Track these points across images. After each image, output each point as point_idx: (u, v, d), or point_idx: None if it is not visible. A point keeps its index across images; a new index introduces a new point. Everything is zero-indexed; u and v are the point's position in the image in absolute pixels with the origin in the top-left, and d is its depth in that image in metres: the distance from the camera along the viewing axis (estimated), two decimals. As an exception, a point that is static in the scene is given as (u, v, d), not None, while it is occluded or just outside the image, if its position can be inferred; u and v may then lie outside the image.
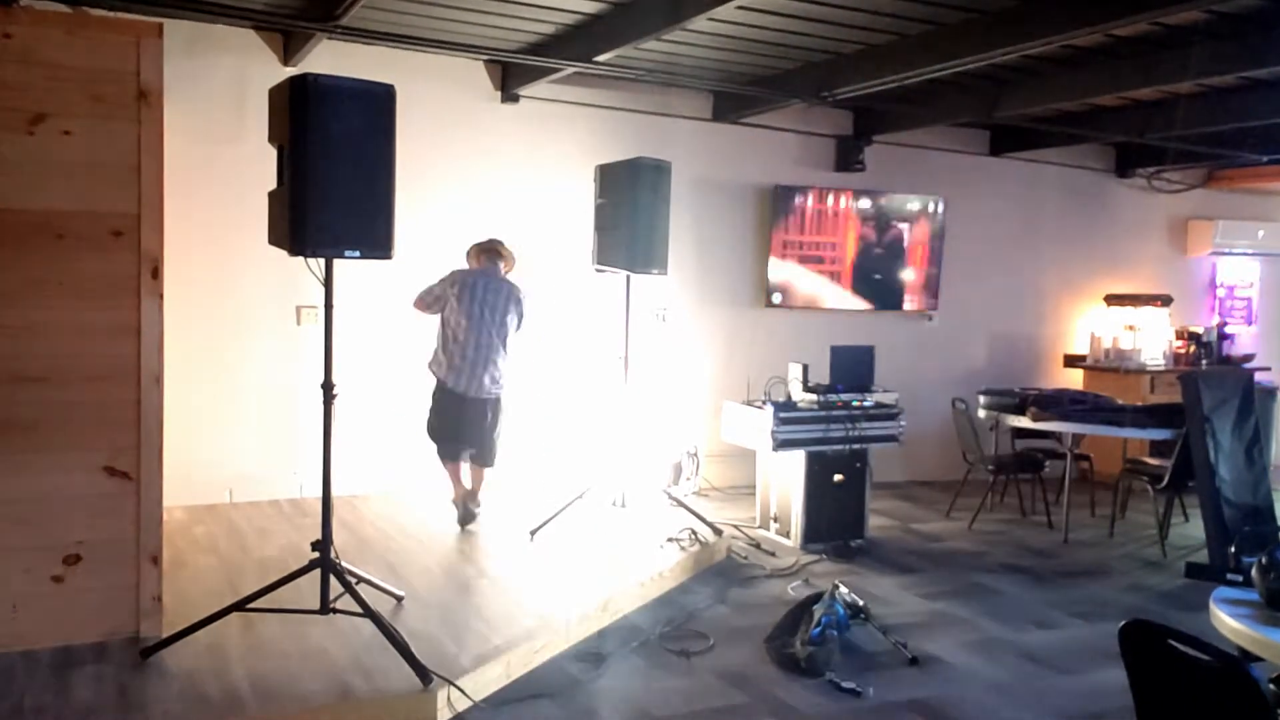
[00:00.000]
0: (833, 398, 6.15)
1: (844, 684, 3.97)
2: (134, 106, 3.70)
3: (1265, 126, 7.23)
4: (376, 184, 3.63)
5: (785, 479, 6.14)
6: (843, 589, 4.69)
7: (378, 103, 3.62)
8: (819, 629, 4.33)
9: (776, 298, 7.63)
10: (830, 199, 7.76)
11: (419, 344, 6.55)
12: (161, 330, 3.80)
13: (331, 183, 3.52)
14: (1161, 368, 8.69)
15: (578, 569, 4.97)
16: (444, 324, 5.56)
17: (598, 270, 5.89)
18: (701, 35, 5.71)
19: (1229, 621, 2.84)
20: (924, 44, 5.55)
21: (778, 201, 7.56)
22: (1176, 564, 6.07)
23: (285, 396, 6.11)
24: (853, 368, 6.38)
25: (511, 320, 5.58)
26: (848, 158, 7.84)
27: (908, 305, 8.20)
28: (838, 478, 6.08)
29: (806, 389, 6.25)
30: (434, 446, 5.72)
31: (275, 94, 3.69)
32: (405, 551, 5.20)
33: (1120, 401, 7.00)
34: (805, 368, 6.34)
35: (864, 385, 6.38)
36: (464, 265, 5.79)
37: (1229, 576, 3.10)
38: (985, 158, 8.54)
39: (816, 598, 4.57)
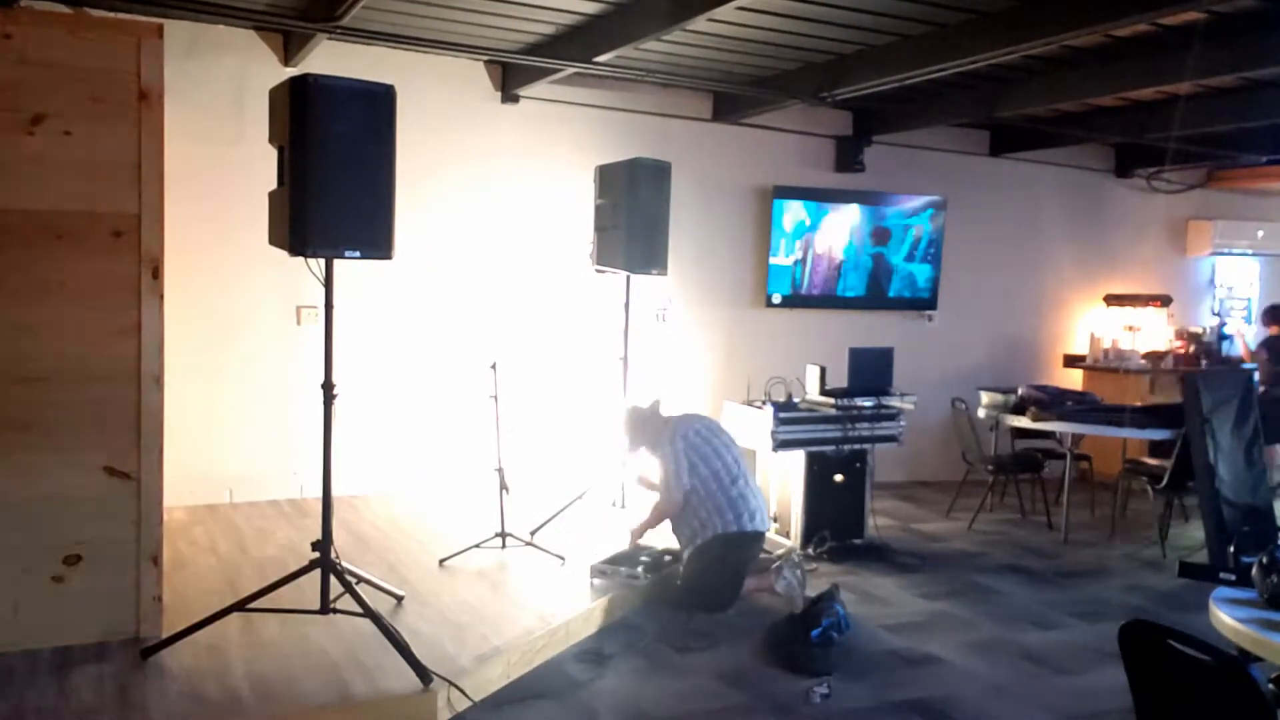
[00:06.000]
0: (847, 402, 6.01)
1: (816, 688, 3.94)
2: (134, 107, 3.70)
3: (1264, 127, 7.24)
4: (376, 184, 3.63)
5: (785, 479, 6.14)
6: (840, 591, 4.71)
7: (378, 103, 3.62)
8: (819, 630, 4.34)
9: (776, 298, 7.64)
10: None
11: (419, 344, 6.58)
12: (162, 330, 3.80)
13: (331, 183, 3.52)
14: (1161, 368, 8.70)
15: (578, 569, 4.97)
16: (704, 481, 4.95)
17: (598, 270, 5.89)
18: (701, 36, 5.71)
19: (1229, 621, 2.84)
20: (924, 44, 5.56)
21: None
22: (1176, 564, 6.06)
23: (285, 397, 6.11)
24: (871, 370, 6.22)
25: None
26: (847, 158, 7.84)
27: (907, 306, 8.20)
28: (838, 478, 6.08)
29: (824, 393, 6.12)
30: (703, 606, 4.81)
31: (275, 94, 3.69)
32: (405, 551, 5.20)
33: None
34: (823, 370, 6.23)
35: (883, 388, 6.22)
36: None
37: (1222, 575, 3.10)
38: (985, 158, 8.54)
39: (818, 599, 4.58)
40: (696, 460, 4.95)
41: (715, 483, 4.94)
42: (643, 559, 4.96)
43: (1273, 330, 8.16)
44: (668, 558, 5.06)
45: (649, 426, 5.18)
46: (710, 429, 5.17)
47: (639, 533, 5.14)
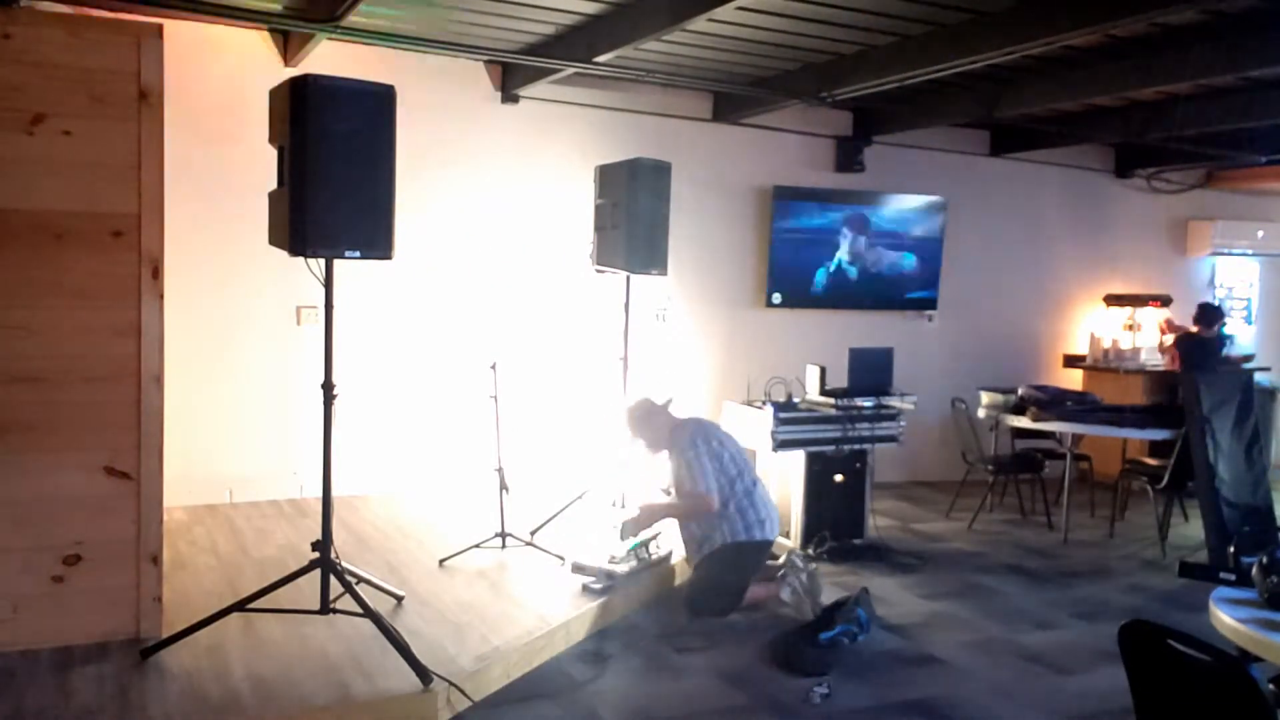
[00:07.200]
0: (847, 402, 6.01)
1: (816, 688, 3.94)
2: (134, 107, 3.70)
3: (1264, 127, 7.24)
4: (376, 184, 3.63)
5: (785, 479, 6.14)
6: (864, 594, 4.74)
7: (378, 103, 3.62)
8: (831, 633, 4.34)
9: (776, 298, 7.64)
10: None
11: (419, 344, 6.57)
12: (162, 330, 3.80)
13: (331, 183, 3.52)
14: (1161, 368, 8.70)
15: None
16: (720, 489, 4.91)
17: (598, 270, 5.88)
18: (701, 36, 5.71)
19: (1229, 621, 2.84)
20: (924, 44, 5.55)
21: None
22: (1176, 564, 6.05)
23: (285, 397, 6.11)
24: (871, 370, 6.22)
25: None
26: (848, 158, 7.84)
27: (907, 305, 8.20)
28: (838, 478, 6.08)
29: (824, 393, 6.12)
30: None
31: (275, 94, 3.69)
32: (405, 551, 5.20)
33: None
34: (823, 370, 6.23)
35: (883, 388, 6.21)
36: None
37: (1222, 575, 3.10)
38: (985, 158, 8.54)
39: (841, 603, 4.60)
40: (717, 467, 4.94)
41: (730, 490, 4.93)
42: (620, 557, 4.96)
43: (1197, 330, 7.90)
44: (653, 555, 5.08)
45: (657, 423, 5.17)
46: (724, 436, 5.16)
47: (656, 516, 5.03)
